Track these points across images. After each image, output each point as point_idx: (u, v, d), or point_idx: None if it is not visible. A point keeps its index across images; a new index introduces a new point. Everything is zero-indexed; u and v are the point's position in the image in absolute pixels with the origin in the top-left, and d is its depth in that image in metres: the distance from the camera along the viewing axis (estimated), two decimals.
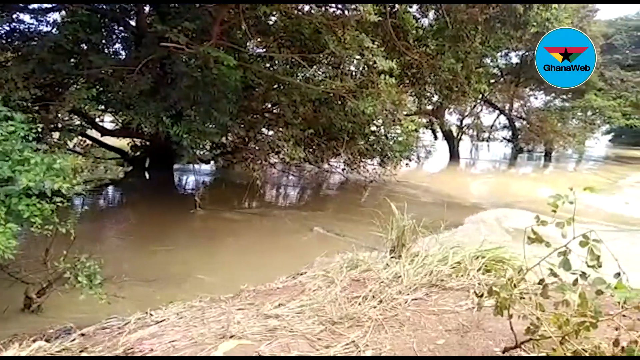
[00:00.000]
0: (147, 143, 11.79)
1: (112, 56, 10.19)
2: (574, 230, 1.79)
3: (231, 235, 7.61)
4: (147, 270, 5.65)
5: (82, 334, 2.89)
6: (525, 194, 12.92)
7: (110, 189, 11.84)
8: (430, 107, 16.85)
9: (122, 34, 10.48)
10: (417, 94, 12.66)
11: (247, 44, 9.92)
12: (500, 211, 9.41)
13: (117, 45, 10.68)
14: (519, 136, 22.43)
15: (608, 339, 1.78)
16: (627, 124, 24.29)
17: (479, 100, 20.97)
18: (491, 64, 15.77)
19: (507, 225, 7.93)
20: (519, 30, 9.28)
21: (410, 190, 12.47)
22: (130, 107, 8.37)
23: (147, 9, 9.76)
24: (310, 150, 10.09)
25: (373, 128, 10.42)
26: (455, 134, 22.63)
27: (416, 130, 11.34)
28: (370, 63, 7.55)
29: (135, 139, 11.93)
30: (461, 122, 23.60)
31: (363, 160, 10.63)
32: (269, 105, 10.64)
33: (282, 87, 9.64)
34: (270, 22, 9.70)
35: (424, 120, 17.80)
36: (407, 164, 11.86)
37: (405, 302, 2.71)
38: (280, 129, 9.50)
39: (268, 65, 9.91)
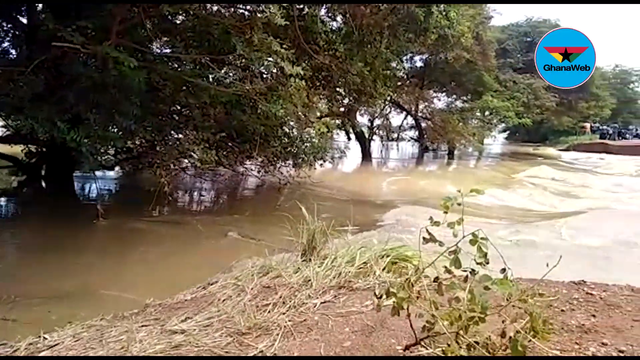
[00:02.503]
0: (44, 149, 10.81)
1: (1, 55, 9.26)
2: (464, 229, 1.91)
3: (139, 245, 7.21)
4: (44, 288, 5.19)
5: None
6: (432, 191, 13.64)
7: (1, 200, 10.73)
8: (342, 109, 17.27)
9: (13, 32, 9.54)
10: (328, 96, 12.90)
11: (152, 43, 9.48)
12: (409, 209, 9.84)
13: (6, 44, 9.71)
14: (425, 136, 23.71)
15: (499, 331, 1.92)
16: (520, 122, 26.72)
17: (387, 102, 21.87)
18: (397, 67, 16.49)
19: (414, 223, 8.31)
20: (421, 36, 9.79)
21: (325, 190, 12.67)
22: (22, 111, 7.63)
23: (40, 5, 8.97)
24: (223, 153, 9.86)
25: (286, 130, 10.43)
26: (366, 135, 23.38)
27: (329, 132, 11.55)
28: (280, 66, 7.54)
29: (30, 145, 10.87)
30: (372, 123, 24.46)
31: (278, 162, 10.60)
32: (178, 108, 10.23)
33: (190, 89, 9.32)
34: (178, 22, 9.35)
35: (337, 122, 18.23)
36: (321, 164, 12.01)
37: (314, 306, 2.73)
38: (190, 132, 9.17)
39: (175, 66, 9.52)
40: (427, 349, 1.97)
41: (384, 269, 3.12)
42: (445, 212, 1.97)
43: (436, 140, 23.34)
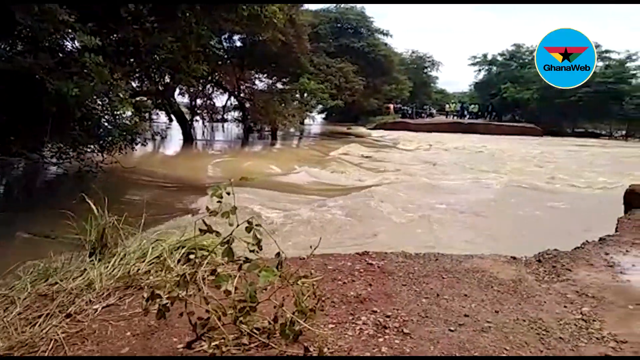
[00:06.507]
0: None
1: None
2: (237, 218, 1.87)
3: None
4: None
5: None
6: (256, 172, 13.69)
7: None
8: (159, 88, 16.11)
9: None
10: (139, 73, 11.90)
11: None
12: (229, 190, 9.64)
13: None
14: (249, 116, 23.68)
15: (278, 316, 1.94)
16: (334, 104, 28.68)
17: (208, 82, 21.21)
18: (215, 45, 16.03)
19: (230, 206, 8.19)
20: (232, 12, 9.56)
21: (143, 177, 11.77)
22: None
23: None
24: (10, 139, 8.35)
25: (86, 111, 9.23)
26: (187, 116, 22.43)
27: (140, 113, 10.64)
28: (73, 40, 6.63)
29: None
30: (193, 103, 23.52)
31: (79, 147, 9.38)
32: None
33: None
34: None
35: (153, 102, 16.98)
36: (133, 148, 11.02)
37: (95, 312, 2.45)
38: None
39: None
40: (207, 343, 1.90)
41: (179, 261, 2.95)
42: (219, 202, 1.91)
43: (259, 121, 23.38)
